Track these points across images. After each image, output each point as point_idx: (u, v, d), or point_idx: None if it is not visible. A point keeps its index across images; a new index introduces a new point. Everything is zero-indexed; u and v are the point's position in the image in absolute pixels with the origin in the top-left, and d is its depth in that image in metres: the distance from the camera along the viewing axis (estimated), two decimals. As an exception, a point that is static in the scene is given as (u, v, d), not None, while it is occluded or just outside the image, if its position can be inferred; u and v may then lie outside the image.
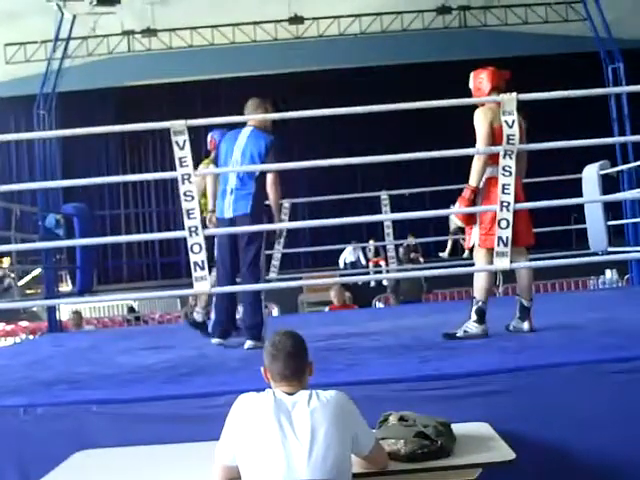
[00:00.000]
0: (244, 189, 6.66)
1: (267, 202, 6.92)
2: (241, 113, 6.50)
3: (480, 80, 6.46)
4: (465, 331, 6.26)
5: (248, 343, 6.63)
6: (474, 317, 6.26)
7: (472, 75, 6.56)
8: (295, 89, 21.40)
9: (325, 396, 3.53)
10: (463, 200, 6.16)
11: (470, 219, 6.28)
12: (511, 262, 5.88)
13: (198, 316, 7.78)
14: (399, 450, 3.92)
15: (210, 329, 7.14)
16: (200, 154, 7.58)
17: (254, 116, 6.65)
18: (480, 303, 6.26)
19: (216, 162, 7.00)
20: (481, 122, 6.17)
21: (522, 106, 5.89)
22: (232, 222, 6.63)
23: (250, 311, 6.69)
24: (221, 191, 6.81)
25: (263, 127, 6.84)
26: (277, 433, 3.40)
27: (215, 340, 6.90)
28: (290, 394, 3.54)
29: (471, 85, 6.54)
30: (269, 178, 6.71)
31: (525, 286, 6.42)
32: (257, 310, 6.68)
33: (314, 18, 20.89)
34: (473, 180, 6.13)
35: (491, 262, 6.08)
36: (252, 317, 6.68)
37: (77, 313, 13.86)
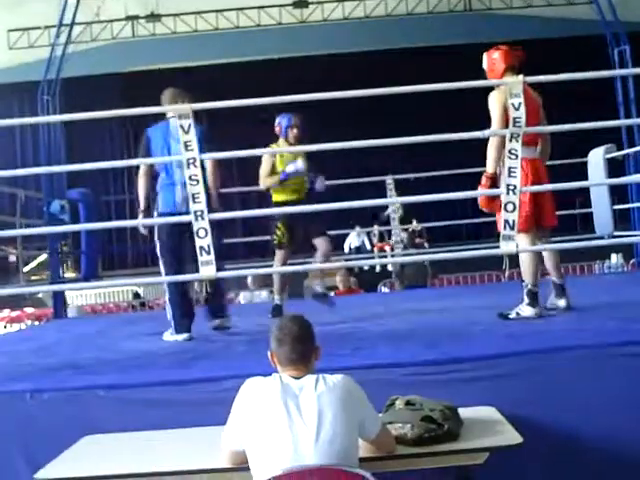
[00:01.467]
0: None
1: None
2: (245, 97, 6.45)
3: (493, 61, 6.47)
4: (517, 313, 6.30)
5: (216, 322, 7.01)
6: (526, 300, 6.29)
7: (485, 55, 6.57)
8: (299, 73, 21.35)
9: (332, 380, 3.53)
10: (482, 188, 6.17)
11: (493, 205, 6.24)
12: (537, 241, 6.20)
13: (318, 287, 8.05)
14: (406, 434, 3.92)
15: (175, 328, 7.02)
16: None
17: (263, 100, 6.57)
18: (530, 286, 6.30)
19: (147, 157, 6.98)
20: (495, 105, 6.12)
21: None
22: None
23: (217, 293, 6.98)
24: (168, 184, 6.82)
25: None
26: (284, 417, 3.40)
27: (185, 336, 6.77)
28: (297, 378, 3.54)
29: (485, 66, 6.55)
30: (209, 167, 6.72)
31: (554, 265, 6.57)
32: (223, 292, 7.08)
33: (318, 2, 20.88)
34: (489, 167, 6.11)
35: (532, 244, 6.22)
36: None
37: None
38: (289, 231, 7.74)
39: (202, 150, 6.08)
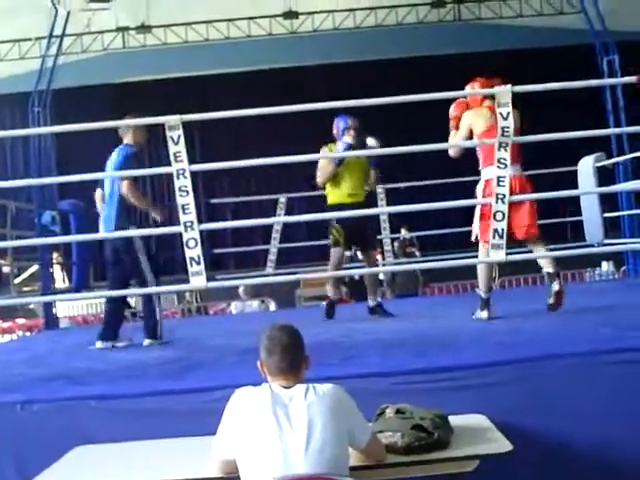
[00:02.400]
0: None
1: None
2: (237, 107, 6.47)
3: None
4: (475, 316, 6.93)
5: (146, 341, 7.13)
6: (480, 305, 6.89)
7: (467, 88, 6.95)
8: (290, 84, 21.35)
9: (322, 389, 3.53)
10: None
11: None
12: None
13: (371, 303, 8.21)
14: (396, 443, 3.93)
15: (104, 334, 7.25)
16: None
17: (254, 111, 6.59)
18: (482, 293, 6.92)
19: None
20: (463, 124, 6.71)
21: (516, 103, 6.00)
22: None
23: (147, 313, 7.16)
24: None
25: (133, 143, 7.38)
26: (274, 427, 3.41)
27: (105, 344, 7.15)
28: (287, 388, 3.55)
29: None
30: (123, 186, 7.02)
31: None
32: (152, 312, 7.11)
33: (309, 13, 20.85)
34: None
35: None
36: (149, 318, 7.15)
37: None
38: (346, 232, 7.85)
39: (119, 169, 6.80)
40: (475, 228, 6.74)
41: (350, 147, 7.66)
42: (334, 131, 7.96)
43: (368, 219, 8.17)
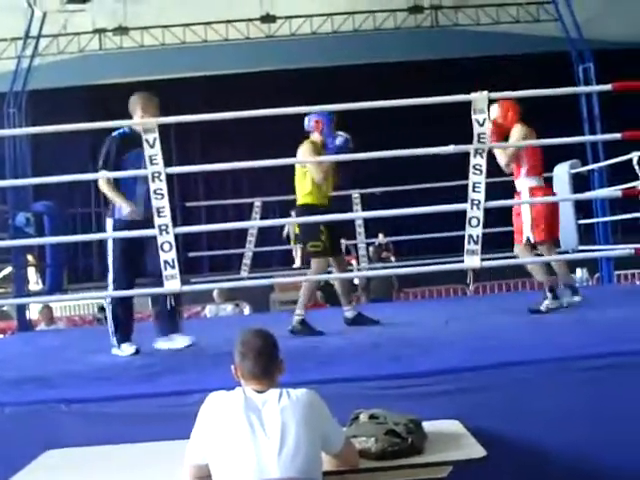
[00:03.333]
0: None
1: None
2: (215, 111, 6.44)
3: (506, 111, 7.33)
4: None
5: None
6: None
7: (498, 106, 7.33)
8: (267, 88, 21.34)
9: (295, 394, 3.53)
10: None
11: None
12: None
13: (349, 313, 7.65)
14: (370, 448, 3.93)
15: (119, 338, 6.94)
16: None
17: (222, 115, 6.56)
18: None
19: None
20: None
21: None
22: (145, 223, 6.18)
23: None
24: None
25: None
26: (247, 431, 3.40)
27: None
28: (260, 392, 3.54)
29: (496, 114, 7.30)
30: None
31: (563, 272, 7.78)
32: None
33: (286, 17, 20.82)
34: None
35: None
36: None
37: (48, 308, 13.75)
38: (330, 237, 7.35)
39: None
40: (526, 231, 7.34)
41: (348, 141, 7.39)
42: (311, 126, 7.62)
43: (340, 222, 7.86)
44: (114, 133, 6.67)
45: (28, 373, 5.75)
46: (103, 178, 6.49)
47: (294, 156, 7.39)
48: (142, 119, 6.35)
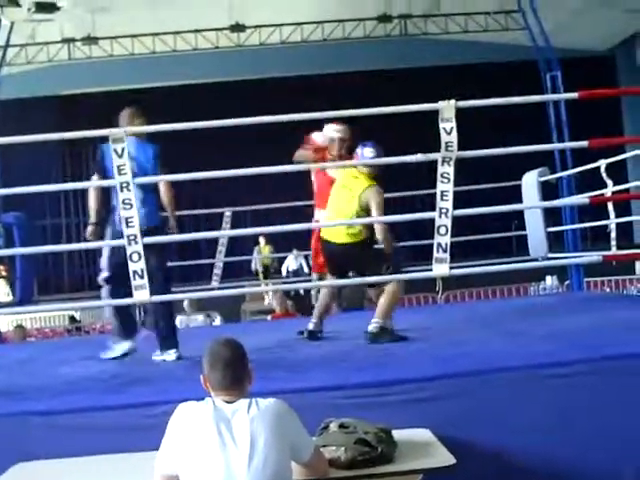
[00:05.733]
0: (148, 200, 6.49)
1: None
2: (183, 120, 6.42)
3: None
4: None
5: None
6: None
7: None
8: (236, 96, 21.36)
9: (264, 404, 3.53)
10: None
11: None
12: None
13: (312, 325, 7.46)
14: (339, 457, 3.93)
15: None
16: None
17: (216, 123, 6.55)
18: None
19: (103, 173, 6.68)
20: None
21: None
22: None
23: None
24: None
25: (143, 137, 6.68)
26: (217, 442, 3.39)
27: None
28: (230, 403, 3.53)
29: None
30: (162, 187, 6.60)
31: None
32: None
33: (256, 26, 20.86)
34: None
35: None
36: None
37: (20, 327, 13.70)
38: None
39: (156, 168, 6.20)
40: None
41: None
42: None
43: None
44: (156, 148, 6.65)
45: (-2, 385, 5.71)
46: (170, 188, 6.64)
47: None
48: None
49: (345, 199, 6.93)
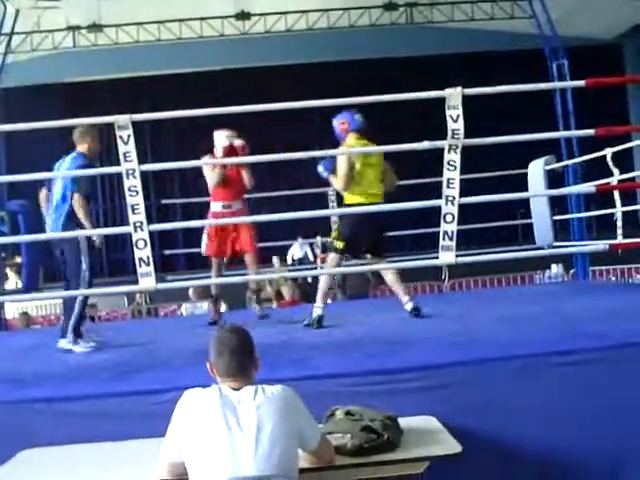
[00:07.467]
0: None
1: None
2: (188, 107, 6.42)
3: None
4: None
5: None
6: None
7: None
8: (242, 85, 21.33)
9: (271, 391, 3.52)
10: None
11: None
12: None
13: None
14: (346, 444, 3.93)
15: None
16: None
17: (214, 110, 6.54)
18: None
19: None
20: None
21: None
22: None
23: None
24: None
25: (87, 152, 7.07)
26: (223, 428, 3.39)
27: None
28: (236, 389, 3.53)
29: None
30: (74, 199, 6.85)
31: None
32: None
33: (261, 14, 20.77)
34: None
35: None
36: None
37: (25, 314, 13.70)
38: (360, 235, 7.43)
39: (73, 183, 6.65)
40: None
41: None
42: (341, 127, 7.46)
43: (385, 222, 7.72)
44: (84, 161, 6.96)
45: (2, 373, 5.71)
46: (83, 204, 6.87)
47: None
48: (90, 148, 7.02)
49: (376, 174, 7.40)
